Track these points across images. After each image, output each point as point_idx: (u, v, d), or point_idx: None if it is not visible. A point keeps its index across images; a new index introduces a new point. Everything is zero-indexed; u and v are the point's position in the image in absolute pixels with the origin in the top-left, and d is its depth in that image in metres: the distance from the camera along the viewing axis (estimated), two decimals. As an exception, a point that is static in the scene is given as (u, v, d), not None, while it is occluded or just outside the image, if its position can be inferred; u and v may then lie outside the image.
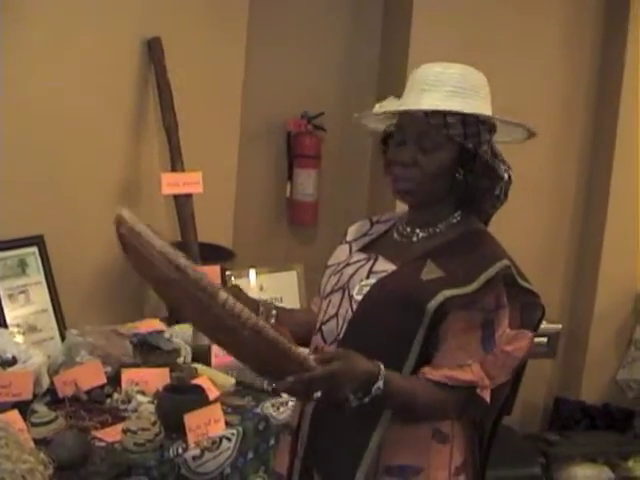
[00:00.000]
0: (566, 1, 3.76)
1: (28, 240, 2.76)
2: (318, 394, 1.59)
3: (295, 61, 3.57)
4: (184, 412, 2.18)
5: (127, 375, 2.48)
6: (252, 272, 3.07)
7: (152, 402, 2.36)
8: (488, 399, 1.78)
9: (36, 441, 2.07)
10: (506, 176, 1.88)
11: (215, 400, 2.38)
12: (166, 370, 2.51)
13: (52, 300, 2.77)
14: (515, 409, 3.46)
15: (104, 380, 2.45)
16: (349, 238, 2.02)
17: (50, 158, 2.83)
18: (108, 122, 2.96)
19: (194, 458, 2.17)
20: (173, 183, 2.95)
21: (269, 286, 3.08)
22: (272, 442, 2.37)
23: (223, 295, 1.42)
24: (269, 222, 3.69)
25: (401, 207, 1.96)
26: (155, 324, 2.74)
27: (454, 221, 1.86)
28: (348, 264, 1.90)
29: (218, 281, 2.90)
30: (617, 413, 3.90)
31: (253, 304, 1.89)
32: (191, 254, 2.99)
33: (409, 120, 1.78)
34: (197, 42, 3.10)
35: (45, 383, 2.39)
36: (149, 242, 1.50)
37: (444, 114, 1.74)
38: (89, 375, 2.42)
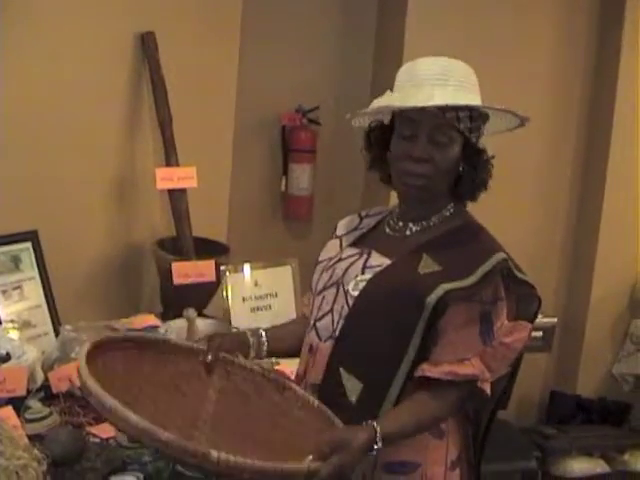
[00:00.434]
0: (561, 1, 3.75)
1: (22, 235, 2.76)
2: None
3: (289, 55, 3.56)
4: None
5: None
6: (247, 267, 3.06)
7: (147, 397, 2.35)
8: (488, 391, 1.79)
9: (30, 437, 2.06)
10: (490, 165, 1.87)
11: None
12: (161, 365, 2.51)
13: (46, 296, 2.77)
14: (511, 403, 3.50)
15: (99, 376, 2.44)
16: (339, 233, 2.01)
17: (44, 153, 2.82)
18: (102, 117, 2.95)
19: (189, 454, 2.16)
20: (167, 178, 2.94)
21: (264, 281, 3.07)
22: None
23: (214, 455, 1.43)
24: (264, 217, 3.68)
25: (395, 202, 1.95)
26: (150, 320, 2.73)
27: (447, 214, 1.86)
28: (340, 259, 1.89)
29: (212, 275, 2.90)
30: (613, 406, 3.90)
31: (242, 341, 1.90)
32: (186, 248, 2.99)
33: (422, 114, 1.74)
34: (191, 36, 3.09)
35: (39, 379, 2.39)
36: (123, 419, 1.46)
37: (456, 108, 1.73)
38: (83, 371, 2.41)
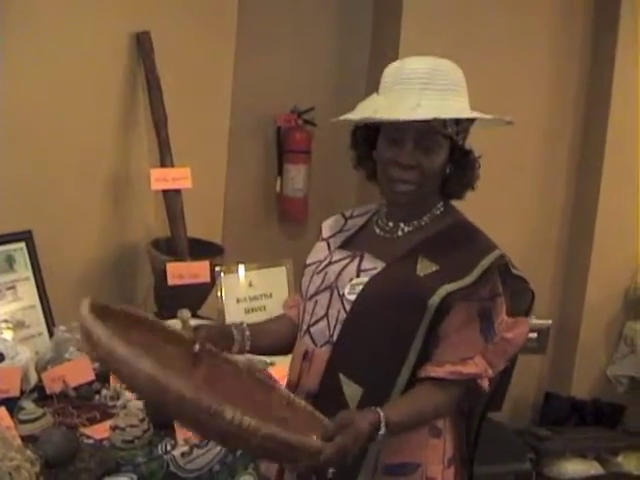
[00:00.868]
0: (556, 1, 3.76)
1: (16, 235, 2.75)
2: (331, 470, 1.59)
3: (285, 55, 3.56)
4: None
5: (116, 371, 2.46)
6: (241, 268, 3.06)
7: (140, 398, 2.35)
8: (487, 387, 1.79)
9: (23, 438, 2.06)
10: (477, 165, 1.86)
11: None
12: (155, 366, 2.50)
13: (40, 296, 2.76)
14: (505, 404, 3.50)
15: (92, 377, 2.44)
16: (325, 235, 1.99)
17: (38, 153, 2.81)
18: (97, 117, 2.94)
19: (183, 455, 2.16)
20: (162, 178, 2.94)
21: (258, 282, 3.07)
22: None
23: (229, 412, 1.38)
24: (259, 217, 3.68)
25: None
26: (144, 320, 2.72)
27: (438, 212, 1.86)
28: (331, 262, 1.87)
29: (206, 276, 2.89)
30: (607, 408, 3.91)
31: (227, 333, 1.88)
32: (180, 249, 2.99)
33: (409, 121, 1.72)
34: (186, 36, 3.09)
35: (33, 379, 2.38)
36: (131, 365, 1.41)
37: None
38: (77, 371, 2.41)
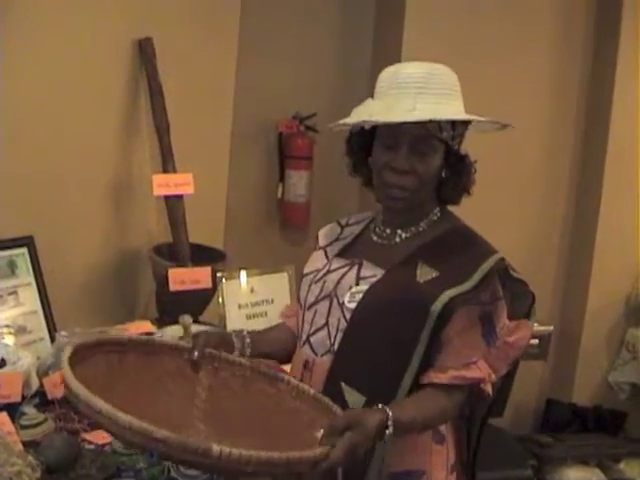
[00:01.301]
0: (557, 7, 3.76)
1: (18, 241, 2.75)
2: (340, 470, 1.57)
3: (287, 62, 3.56)
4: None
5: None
6: (243, 274, 3.06)
7: (142, 404, 2.34)
8: (490, 391, 1.79)
9: (25, 443, 2.06)
10: (473, 170, 1.87)
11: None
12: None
13: (42, 301, 2.76)
14: (506, 411, 3.49)
15: (94, 382, 2.44)
16: (322, 243, 1.99)
17: (40, 159, 2.82)
18: (99, 122, 2.95)
19: (184, 460, 2.16)
20: (164, 184, 2.94)
21: (260, 288, 3.07)
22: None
23: (216, 449, 1.38)
24: (260, 223, 3.68)
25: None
26: (145, 326, 2.73)
27: (435, 218, 1.86)
28: (329, 271, 1.87)
29: (208, 282, 2.89)
30: (609, 415, 3.91)
31: (227, 340, 1.88)
32: (182, 255, 2.99)
33: (404, 125, 1.72)
34: (189, 42, 3.09)
35: (34, 385, 2.38)
36: (114, 421, 1.41)
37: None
38: (79, 377, 2.41)
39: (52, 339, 2.68)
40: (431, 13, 3.50)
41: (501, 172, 3.60)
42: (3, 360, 2.38)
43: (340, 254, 1.92)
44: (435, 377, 1.72)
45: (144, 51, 2.98)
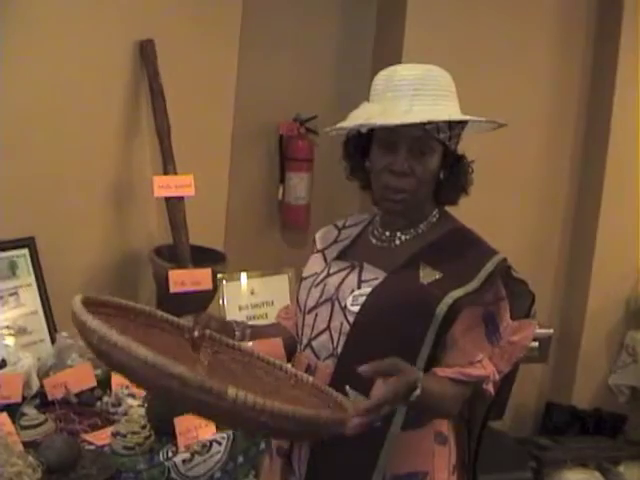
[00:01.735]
0: (557, 9, 3.77)
1: (19, 242, 2.76)
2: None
3: (288, 64, 3.57)
4: (174, 415, 2.17)
5: (117, 378, 2.47)
6: (243, 275, 3.06)
7: (142, 405, 2.35)
8: (492, 391, 1.79)
9: (25, 444, 2.06)
10: (470, 170, 1.87)
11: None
12: (157, 373, 2.50)
13: (42, 302, 2.76)
14: (506, 413, 3.49)
15: (94, 383, 2.45)
16: (319, 246, 1.98)
17: (41, 160, 2.82)
18: (100, 124, 2.95)
19: (184, 462, 2.17)
20: (165, 186, 2.94)
21: (260, 290, 3.08)
22: (262, 446, 2.36)
23: (232, 392, 1.34)
24: (261, 225, 3.68)
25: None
26: (146, 327, 2.73)
27: (434, 220, 1.86)
28: (329, 274, 1.86)
29: (208, 284, 2.89)
30: (608, 418, 3.91)
31: (228, 327, 1.87)
32: (183, 256, 2.99)
33: (401, 127, 1.72)
34: (190, 45, 3.10)
35: (35, 386, 2.39)
36: (130, 353, 1.37)
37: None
38: (79, 378, 2.42)
39: (52, 340, 2.68)
40: (432, 15, 3.51)
41: (501, 174, 3.60)
42: (3, 361, 2.38)
43: (339, 257, 1.91)
44: (441, 371, 1.71)
45: (145, 53, 2.99)
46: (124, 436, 2.12)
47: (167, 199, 2.99)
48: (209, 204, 3.22)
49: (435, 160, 1.78)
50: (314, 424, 1.44)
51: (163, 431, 2.18)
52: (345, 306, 1.79)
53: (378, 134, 1.79)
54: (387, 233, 1.87)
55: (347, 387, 1.73)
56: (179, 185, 2.95)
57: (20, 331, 2.66)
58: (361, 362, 1.67)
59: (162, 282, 2.91)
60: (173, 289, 2.86)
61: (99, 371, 2.50)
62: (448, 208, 1.90)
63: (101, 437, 2.20)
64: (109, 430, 2.19)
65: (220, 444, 2.27)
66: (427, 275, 1.74)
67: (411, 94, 1.72)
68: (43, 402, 2.36)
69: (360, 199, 3.63)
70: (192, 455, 2.18)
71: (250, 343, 1.88)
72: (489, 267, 1.73)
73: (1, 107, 2.71)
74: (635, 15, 3.71)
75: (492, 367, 1.76)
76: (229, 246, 3.32)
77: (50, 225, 2.84)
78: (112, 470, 2.05)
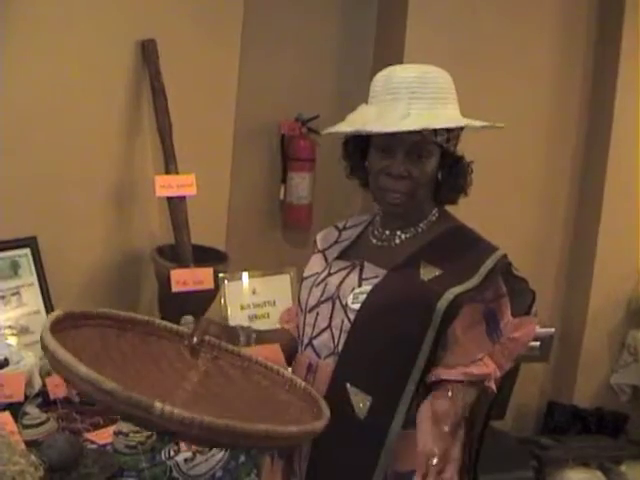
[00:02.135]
0: (559, 11, 3.77)
1: (21, 242, 2.76)
2: None
3: (289, 64, 3.57)
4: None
5: (119, 377, 2.47)
6: (245, 275, 3.06)
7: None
8: (494, 388, 1.79)
9: (27, 443, 2.07)
10: (469, 170, 1.87)
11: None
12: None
13: (44, 302, 2.77)
14: (508, 413, 3.50)
15: (96, 382, 2.44)
16: (320, 247, 1.99)
17: (43, 160, 2.82)
18: (102, 124, 2.96)
19: (186, 461, 2.17)
20: (167, 185, 2.94)
21: (262, 289, 3.08)
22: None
23: (158, 406, 1.38)
24: (263, 225, 3.68)
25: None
26: (148, 326, 2.73)
27: (433, 219, 1.86)
28: (330, 274, 1.87)
29: (210, 283, 2.89)
30: (610, 417, 3.90)
31: (232, 332, 1.89)
32: (185, 256, 2.99)
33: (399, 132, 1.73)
34: (191, 44, 3.10)
35: (37, 385, 2.39)
36: (69, 369, 1.44)
37: None
38: (81, 377, 2.41)
39: (55, 339, 2.68)
40: (434, 15, 3.51)
41: (503, 175, 3.61)
42: (6, 360, 2.38)
43: (339, 257, 1.92)
44: (444, 374, 1.72)
45: (147, 52, 2.99)
46: (126, 435, 2.13)
47: (169, 199, 2.99)
48: (211, 204, 3.22)
49: (433, 162, 1.78)
50: (254, 437, 1.46)
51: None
52: (346, 304, 1.80)
53: (375, 138, 1.79)
54: (387, 232, 1.87)
55: (347, 384, 1.74)
56: (181, 185, 2.96)
57: (22, 330, 2.67)
58: (362, 359, 1.68)
59: (164, 281, 2.92)
60: (175, 288, 2.86)
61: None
62: (448, 207, 1.91)
63: (103, 436, 2.20)
64: (111, 429, 2.20)
65: (222, 443, 2.27)
66: (427, 272, 1.75)
67: (408, 97, 1.72)
68: (45, 401, 2.36)
69: (362, 199, 3.63)
70: (194, 454, 2.19)
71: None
72: (489, 264, 1.74)
73: (2, 106, 2.71)
74: (636, 17, 3.71)
75: (493, 365, 1.76)
76: (231, 246, 3.33)
77: (52, 225, 2.84)
78: (114, 469, 2.06)
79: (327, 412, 1.65)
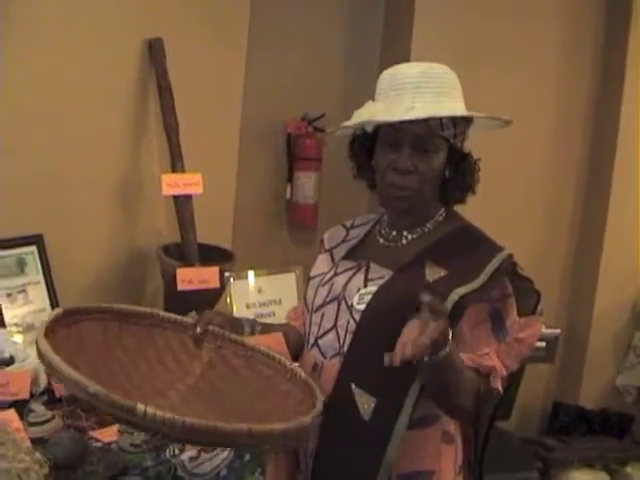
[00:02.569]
0: (565, 11, 3.76)
1: (27, 239, 2.77)
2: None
3: (296, 63, 3.57)
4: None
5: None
6: (251, 274, 3.07)
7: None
8: (500, 388, 1.78)
9: (33, 440, 2.07)
10: (477, 168, 1.87)
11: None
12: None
13: (50, 300, 2.78)
14: (513, 413, 3.50)
15: (101, 380, 2.45)
16: (327, 246, 1.99)
17: (50, 157, 2.83)
18: (108, 122, 2.96)
19: (190, 459, 2.17)
20: (173, 184, 2.95)
21: (268, 288, 3.08)
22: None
23: (141, 408, 1.40)
24: (269, 224, 3.68)
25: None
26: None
27: (440, 219, 1.86)
28: (336, 274, 1.87)
29: (216, 282, 2.90)
30: (615, 418, 3.90)
31: (236, 323, 1.89)
32: (190, 255, 3.00)
33: (405, 124, 1.73)
34: (198, 43, 3.10)
35: (42, 382, 2.39)
36: (58, 371, 1.47)
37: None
38: (87, 375, 2.42)
39: (60, 337, 2.69)
40: (440, 15, 3.50)
41: (509, 176, 3.60)
42: (12, 358, 2.39)
43: (346, 257, 1.92)
44: None
45: (154, 51, 2.99)
46: (131, 433, 2.13)
47: (175, 197, 3.00)
48: (217, 202, 3.22)
49: (440, 158, 1.78)
50: (236, 436, 1.47)
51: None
52: (351, 305, 1.80)
53: (382, 133, 1.79)
54: (394, 232, 1.87)
55: (353, 385, 1.74)
56: (187, 183, 2.96)
57: (28, 328, 2.67)
58: (367, 360, 1.67)
59: (170, 280, 2.92)
60: (181, 287, 2.87)
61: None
62: (456, 207, 1.90)
63: (108, 434, 2.21)
64: (116, 427, 2.20)
65: (227, 442, 2.27)
66: (433, 273, 1.75)
67: (413, 91, 1.73)
68: (51, 399, 2.36)
69: (368, 198, 3.63)
70: (198, 452, 2.19)
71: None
72: (495, 263, 1.74)
73: (8, 105, 2.72)
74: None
75: (499, 362, 1.75)
76: (237, 244, 3.33)
77: (58, 223, 2.85)
78: (119, 467, 2.06)
79: (320, 406, 1.66)
